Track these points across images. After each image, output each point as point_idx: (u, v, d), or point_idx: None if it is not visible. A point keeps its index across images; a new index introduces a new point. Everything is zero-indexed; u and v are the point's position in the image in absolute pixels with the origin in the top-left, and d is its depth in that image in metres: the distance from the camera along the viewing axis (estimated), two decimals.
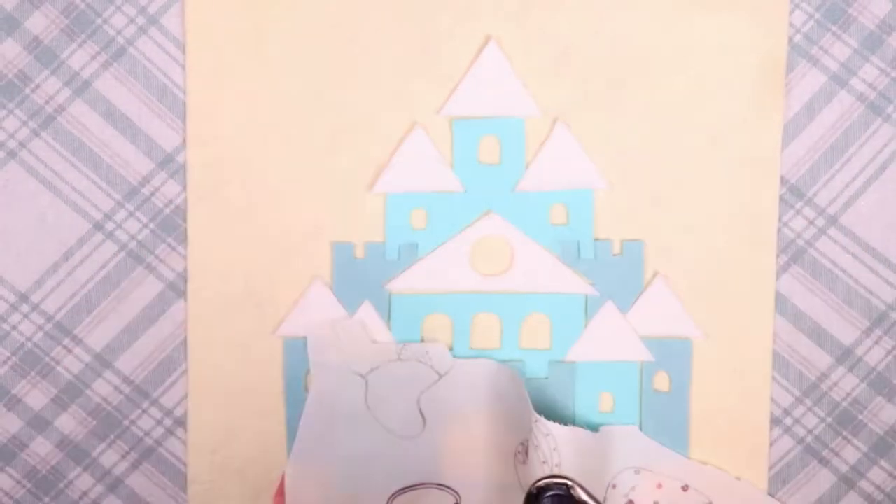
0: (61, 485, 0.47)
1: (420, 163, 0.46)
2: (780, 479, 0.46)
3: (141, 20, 0.46)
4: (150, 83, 0.46)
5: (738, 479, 0.45)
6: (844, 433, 0.46)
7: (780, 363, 0.46)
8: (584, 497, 0.39)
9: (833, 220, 0.46)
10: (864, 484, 0.47)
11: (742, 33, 0.45)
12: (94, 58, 0.46)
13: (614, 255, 0.46)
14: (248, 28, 0.46)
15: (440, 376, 0.45)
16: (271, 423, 0.46)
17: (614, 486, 0.45)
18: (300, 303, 0.46)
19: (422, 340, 0.46)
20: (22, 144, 0.46)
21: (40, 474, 0.47)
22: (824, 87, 0.46)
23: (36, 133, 0.46)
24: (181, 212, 0.46)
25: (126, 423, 0.47)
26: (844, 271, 0.46)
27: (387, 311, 0.46)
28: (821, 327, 0.46)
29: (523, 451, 0.44)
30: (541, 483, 0.39)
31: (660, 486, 0.45)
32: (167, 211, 0.46)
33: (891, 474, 0.47)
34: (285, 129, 0.46)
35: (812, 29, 0.46)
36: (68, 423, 0.47)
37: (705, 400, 0.46)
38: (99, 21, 0.46)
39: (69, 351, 0.46)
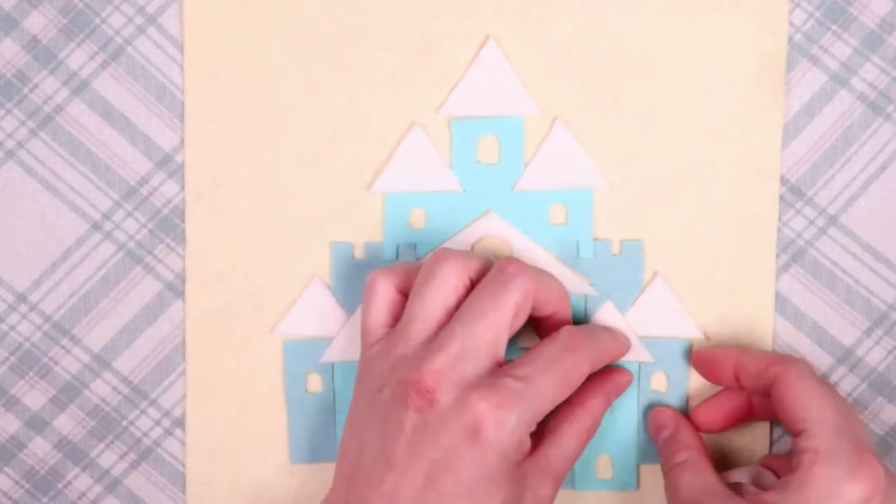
0: (60, 485, 0.47)
1: (419, 162, 0.46)
2: None
3: (139, 20, 0.46)
4: (148, 83, 0.46)
5: None
6: None
7: None
8: None
9: (833, 220, 0.46)
10: None
11: (742, 33, 0.45)
12: (92, 57, 0.46)
13: (614, 254, 0.46)
14: (246, 27, 0.46)
15: None
16: (271, 423, 0.46)
17: None
18: (299, 303, 0.46)
19: None
20: (20, 144, 0.46)
21: (38, 475, 0.47)
22: (824, 87, 0.46)
23: (34, 133, 0.46)
24: (179, 212, 0.46)
25: (125, 423, 0.47)
26: (845, 271, 0.46)
27: None
28: (821, 327, 0.46)
29: None
30: None
31: None
32: (165, 211, 0.46)
33: None
34: (284, 129, 0.46)
35: (812, 28, 0.45)
36: (67, 423, 0.47)
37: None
38: (97, 21, 0.46)
39: (67, 351, 0.46)
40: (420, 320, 0.40)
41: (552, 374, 0.39)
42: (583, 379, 0.41)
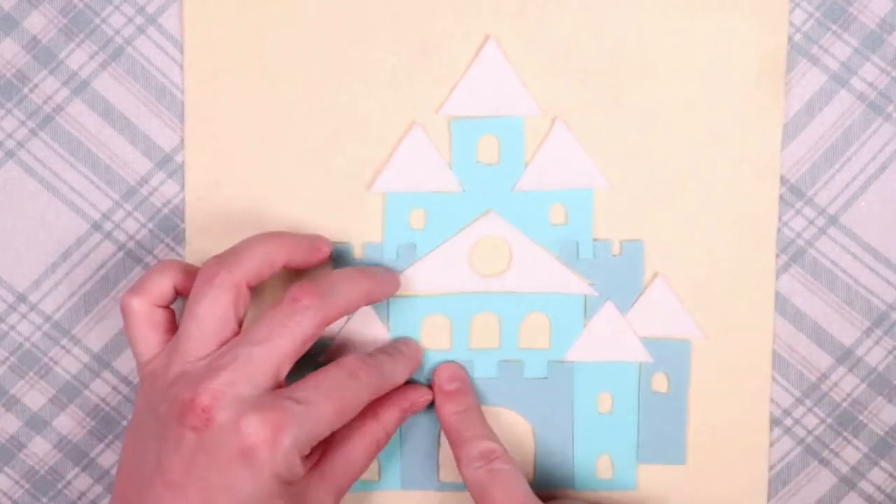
0: (59, 485, 0.47)
1: (418, 163, 0.46)
2: (780, 480, 0.46)
3: (139, 20, 0.46)
4: (148, 83, 0.46)
5: None
6: (845, 434, 0.46)
7: (780, 363, 0.46)
8: None
9: (833, 220, 0.46)
10: (864, 485, 0.46)
11: (742, 33, 0.45)
12: (92, 57, 0.46)
13: (614, 255, 0.46)
14: (246, 27, 0.46)
15: None
16: None
17: None
18: None
19: (420, 341, 0.46)
20: (20, 144, 0.46)
21: (38, 474, 0.47)
22: (824, 87, 0.46)
23: (34, 133, 0.46)
24: (179, 212, 0.46)
25: (124, 423, 0.47)
26: (845, 271, 0.46)
27: (385, 312, 0.46)
28: (821, 327, 0.46)
29: None
30: None
31: None
32: (165, 211, 0.46)
33: (891, 475, 0.46)
34: (283, 129, 0.46)
35: (812, 28, 0.45)
36: (66, 423, 0.47)
37: (705, 401, 0.46)
38: (97, 21, 0.46)
39: (67, 351, 0.46)
40: (196, 339, 0.39)
41: (332, 400, 0.39)
42: (362, 407, 0.40)
